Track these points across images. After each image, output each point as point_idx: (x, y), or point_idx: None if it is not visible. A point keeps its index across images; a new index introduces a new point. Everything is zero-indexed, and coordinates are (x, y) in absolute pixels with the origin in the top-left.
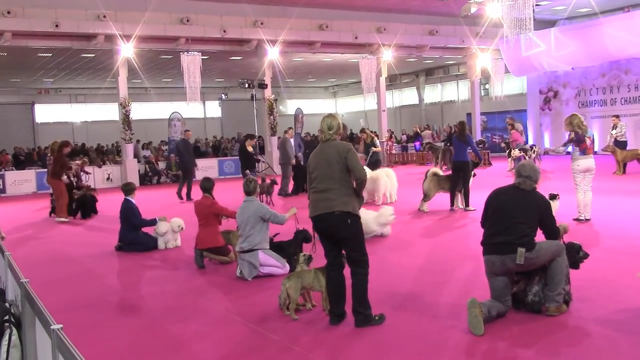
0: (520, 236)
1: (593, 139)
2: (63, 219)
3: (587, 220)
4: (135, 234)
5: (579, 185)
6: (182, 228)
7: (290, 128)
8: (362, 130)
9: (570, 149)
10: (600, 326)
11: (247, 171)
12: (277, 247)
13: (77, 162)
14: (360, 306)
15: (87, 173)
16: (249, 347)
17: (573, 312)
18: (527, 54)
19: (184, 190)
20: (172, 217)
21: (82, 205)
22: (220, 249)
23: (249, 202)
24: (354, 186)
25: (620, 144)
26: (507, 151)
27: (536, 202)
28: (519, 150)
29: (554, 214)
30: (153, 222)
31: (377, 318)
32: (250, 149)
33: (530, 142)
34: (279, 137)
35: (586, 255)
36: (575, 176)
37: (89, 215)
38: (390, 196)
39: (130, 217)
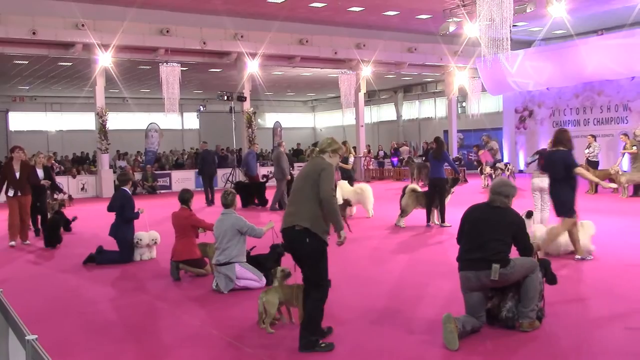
0: (494, 253)
1: None
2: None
3: None
4: (127, 230)
5: (536, 204)
6: (156, 242)
7: (282, 141)
8: (344, 143)
9: (531, 161)
10: (572, 342)
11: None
12: (254, 261)
13: (40, 156)
14: (306, 330)
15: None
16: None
17: (546, 327)
18: (511, 77)
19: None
20: (152, 229)
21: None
22: (196, 261)
23: (226, 214)
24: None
25: (592, 164)
26: (479, 168)
27: (510, 219)
28: (490, 167)
29: (529, 231)
30: (137, 216)
31: (322, 345)
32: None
33: (506, 160)
34: (272, 150)
35: (553, 277)
36: (532, 193)
37: (56, 243)
38: (367, 212)
39: (127, 207)
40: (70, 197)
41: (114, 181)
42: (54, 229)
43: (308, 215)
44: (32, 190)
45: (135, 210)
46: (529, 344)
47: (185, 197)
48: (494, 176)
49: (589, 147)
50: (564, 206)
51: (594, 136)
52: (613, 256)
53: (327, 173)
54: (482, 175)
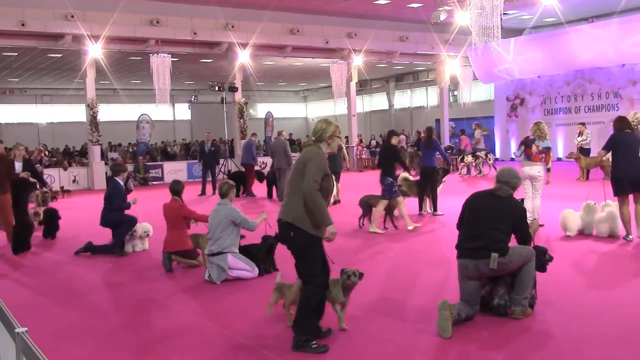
0: (494, 241)
1: (547, 150)
2: None
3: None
4: (118, 215)
5: (527, 192)
6: (148, 234)
7: (282, 131)
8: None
9: (520, 153)
10: (564, 329)
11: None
12: (246, 251)
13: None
14: (297, 328)
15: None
16: (217, 351)
17: (538, 315)
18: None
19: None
20: (145, 220)
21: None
22: (188, 252)
23: (222, 205)
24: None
25: (584, 152)
26: (460, 156)
27: (511, 208)
28: (472, 156)
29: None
30: (128, 206)
31: (313, 346)
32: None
33: (498, 148)
34: (274, 139)
35: (551, 259)
36: (523, 182)
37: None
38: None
39: (114, 197)
40: (63, 188)
41: (106, 173)
42: (51, 218)
43: (292, 209)
44: (12, 186)
45: (128, 201)
46: (523, 332)
47: (176, 188)
48: (473, 165)
49: (580, 135)
50: None
51: (584, 124)
52: (606, 242)
53: (313, 164)
54: (462, 164)
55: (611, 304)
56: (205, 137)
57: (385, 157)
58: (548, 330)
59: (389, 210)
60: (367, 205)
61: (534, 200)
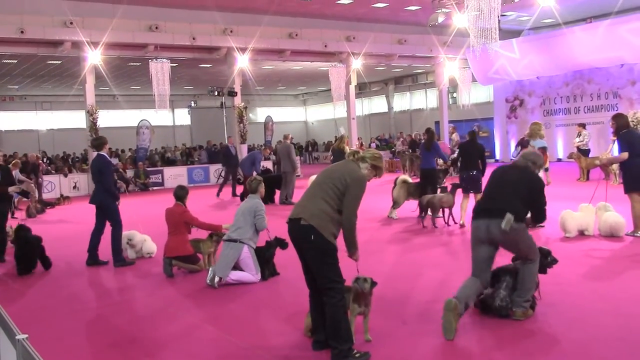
0: (510, 205)
1: (543, 149)
2: None
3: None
4: (111, 199)
5: None
6: (129, 242)
7: (288, 135)
8: (341, 137)
9: (517, 154)
10: (566, 331)
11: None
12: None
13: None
14: (334, 339)
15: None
16: (218, 356)
17: (539, 316)
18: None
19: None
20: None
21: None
22: (189, 257)
23: (251, 198)
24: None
25: (584, 152)
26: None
27: (532, 179)
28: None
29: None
30: (117, 197)
31: (357, 355)
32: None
33: (497, 150)
34: (278, 143)
35: (555, 261)
36: None
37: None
38: None
39: (105, 171)
40: (63, 196)
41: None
42: (26, 244)
43: (317, 214)
44: None
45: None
46: (526, 334)
47: (179, 193)
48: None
49: (579, 135)
50: None
51: (583, 125)
52: (608, 242)
53: (359, 191)
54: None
55: (612, 304)
56: (228, 140)
57: (471, 153)
58: (550, 332)
59: (433, 209)
60: (429, 205)
61: None
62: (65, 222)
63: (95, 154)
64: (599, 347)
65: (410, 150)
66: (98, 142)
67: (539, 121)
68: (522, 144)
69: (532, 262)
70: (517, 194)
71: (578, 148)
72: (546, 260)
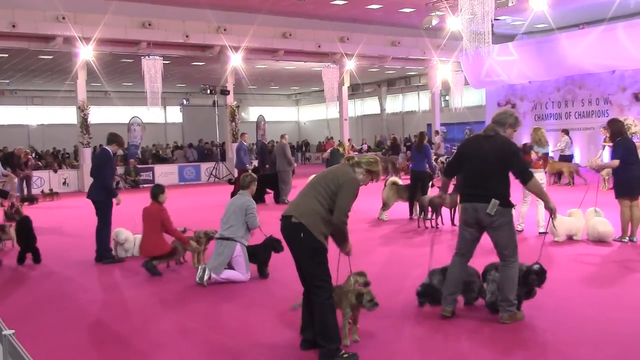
0: (495, 192)
1: (545, 155)
2: None
3: (520, 231)
4: (109, 188)
5: (525, 199)
6: (115, 239)
7: (284, 135)
8: (340, 142)
9: None
10: (553, 333)
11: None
12: (249, 253)
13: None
14: (322, 338)
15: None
16: (208, 354)
17: (530, 319)
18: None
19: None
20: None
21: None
22: (168, 253)
23: (241, 195)
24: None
25: (566, 158)
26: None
27: (502, 148)
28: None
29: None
30: (113, 185)
31: (345, 356)
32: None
33: None
34: (275, 143)
35: (539, 278)
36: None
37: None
38: None
39: (105, 166)
40: (52, 191)
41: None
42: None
43: (308, 212)
44: None
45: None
46: (508, 333)
47: (155, 191)
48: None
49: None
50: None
51: (566, 131)
52: (597, 248)
53: (349, 193)
54: None
55: (599, 309)
56: (262, 138)
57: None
58: (535, 333)
59: (435, 209)
60: (431, 205)
61: (522, 207)
62: (51, 217)
63: (93, 148)
64: (585, 350)
65: (391, 153)
66: (111, 137)
67: (539, 127)
68: (525, 149)
69: (510, 262)
70: (498, 179)
71: (560, 155)
72: (529, 278)
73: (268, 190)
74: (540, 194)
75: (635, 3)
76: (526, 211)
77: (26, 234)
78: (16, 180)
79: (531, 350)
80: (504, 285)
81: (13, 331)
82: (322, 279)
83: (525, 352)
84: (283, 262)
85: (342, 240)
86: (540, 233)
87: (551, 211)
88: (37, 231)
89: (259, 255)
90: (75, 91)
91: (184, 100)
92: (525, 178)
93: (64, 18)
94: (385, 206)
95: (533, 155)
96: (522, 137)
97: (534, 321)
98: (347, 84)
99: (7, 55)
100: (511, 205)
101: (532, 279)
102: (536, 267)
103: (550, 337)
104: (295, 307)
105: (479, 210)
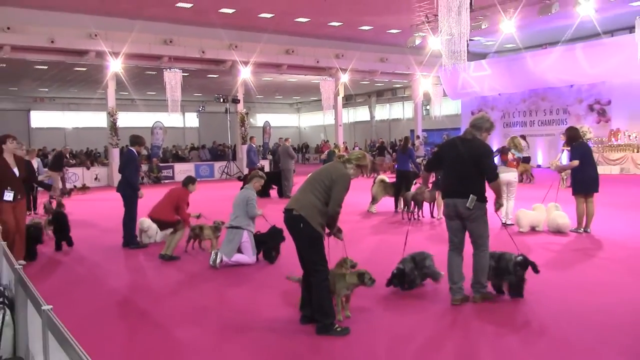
0: (472, 189)
1: (519, 159)
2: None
3: (510, 225)
4: (132, 184)
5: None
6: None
7: (287, 138)
8: (335, 146)
9: (496, 160)
10: (515, 311)
11: None
12: (258, 241)
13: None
14: (319, 314)
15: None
16: (219, 325)
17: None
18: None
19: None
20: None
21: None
22: (170, 222)
23: (246, 189)
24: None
25: (524, 160)
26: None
27: (477, 151)
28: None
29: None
30: (137, 182)
31: (338, 329)
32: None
33: None
34: (278, 145)
35: (521, 274)
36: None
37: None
38: None
39: (129, 165)
40: (84, 185)
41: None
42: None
43: (307, 205)
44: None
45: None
46: (487, 312)
47: (186, 180)
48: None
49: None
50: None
51: (523, 136)
52: (556, 237)
53: (341, 187)
54: None
55: (561, 293)
56: (286, 141)
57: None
58: (505, 312)
59: (416, 202)
60: (413, 199)
61: (508, 202)
62: (84, 208)
63: (121, 148)
64: (547, 322)
65: (377, 154)
66: (132, 139)
67: (516, 135)
68: (503, 150)
69: (482, 250)
70: (474, 178)
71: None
72: (518, 273)
73: (273, 186)
74: (497, 193)
75: (591, 27)
76: (512, 205)
77: (61, 226)
78: (59, 176)
79: (495, 318)
80: (478, 270)
81: (51, 307)
82: (319, 264)
83: (484, 322)
84: (286, 250)
85: (332, 225)
86: (503, 224)
87: (498, 206)
88: (71, 221)
89: (267, 242)
90: (105, 99)
91: (200, 107)
92: (490, 178)
93: (96, 35)
94: (374, 200)
95: (509, 156)
96: (493, 142)
97: (502, 299)
98: (341, 94)
99: (46, 67)
100: (486, 200)
101: (517, 270)
102: (519, 258)
103: (514, 311)
104: (292, 278)
105: (458, 205)
